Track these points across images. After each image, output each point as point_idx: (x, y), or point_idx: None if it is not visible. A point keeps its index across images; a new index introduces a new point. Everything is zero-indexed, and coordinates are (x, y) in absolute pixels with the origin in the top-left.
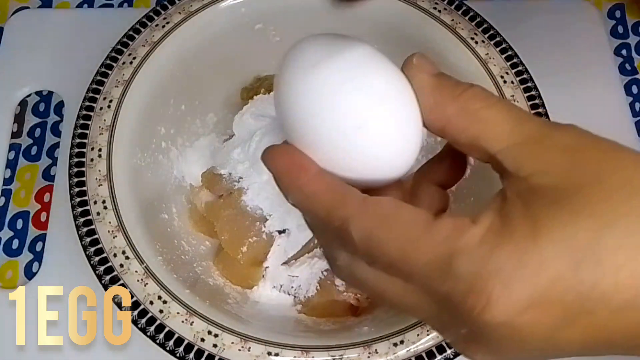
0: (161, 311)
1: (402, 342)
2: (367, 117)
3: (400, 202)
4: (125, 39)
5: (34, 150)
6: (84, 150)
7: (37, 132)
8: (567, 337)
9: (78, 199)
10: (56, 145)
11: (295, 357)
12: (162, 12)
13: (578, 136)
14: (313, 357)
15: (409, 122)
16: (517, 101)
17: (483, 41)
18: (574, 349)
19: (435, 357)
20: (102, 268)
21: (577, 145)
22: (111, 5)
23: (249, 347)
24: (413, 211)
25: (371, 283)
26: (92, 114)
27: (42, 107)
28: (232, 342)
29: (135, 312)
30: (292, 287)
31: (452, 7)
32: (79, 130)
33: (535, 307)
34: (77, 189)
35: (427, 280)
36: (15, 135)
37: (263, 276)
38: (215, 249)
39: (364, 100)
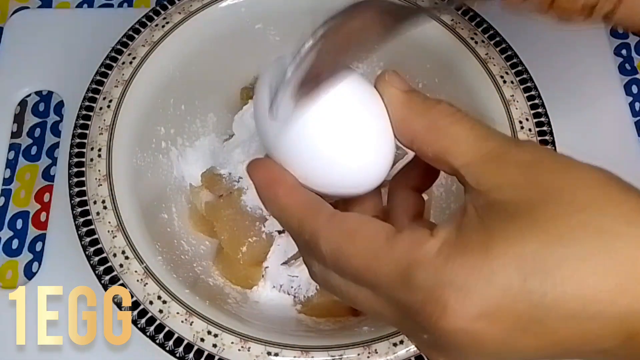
0: (161, 311)
1: (401, 342)
2: (340, 133)
3: (365, 217)
4: (125, 39)
5: (33, 150)
6: (84, 150)
7: (37, 132)
8: (522, 343)
9: (78, 199)
10: (56, 145)
11: (295, 357)
12: (162, 12)
13: (535, 152)
14: (313, 357)
15: (380, 136)
16: (517, 101)
17: (483, 41)
18: (530, 354)
19: None
20: (101, 268)
21: (533, 162)
22: (111, 5)
23: (249, 347)
24: (376, 226)
25: (343, 291)
26: (91, 114)
27: (41, 107)
28: (232, 342)
29: (135, 312)
30: (292, 287)
31: (452, 7)
32: (79, 130)
33: (488, 315)
34: (76, 189)
35: (390, 291)
36: (15, 135)
37: (263, 276)
38: (215, 249)
39: (337, 116)
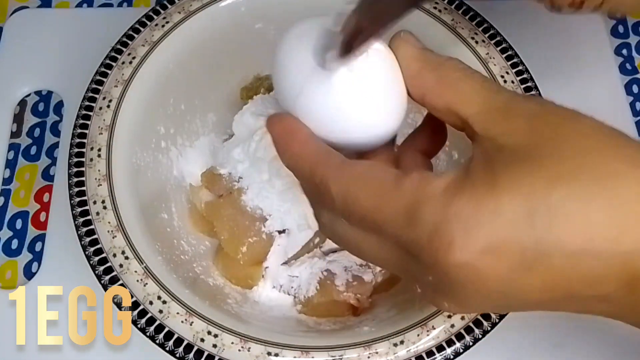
0: (161, 311)
1: (402, 342)
2: (361, 92)
3: (374, 162)
4: (124, 39)
5: (33, 150)
6: (84, 150)
7: (37, 131)
8: (526, 282)
9: (77, 199)
10: (55, 145)
11: (295, 357)
12: (162, 11)
13: (541, 104)
14: (313, 357)
15: (395, 95)
16: None
17: (483, 41)
18: (535, 297)
19: (435, 357)
20: (101, 268)
21: (540, 112)
22: (111, 5)
23: (249, 347)
24: (384, 169)
25: (350, 239)
26: (91, 113)
27: (41, 106)
28: (232, 342)
29: (135, 312)
30: (292, 287)
31: (452, 6)
32: (79, 130)
33: (494, 249)
34: (76, 189)
35: (396, 229)
36: (14, 135)
37: (263, 276)
38: (215, 249)
39: (359, 76)
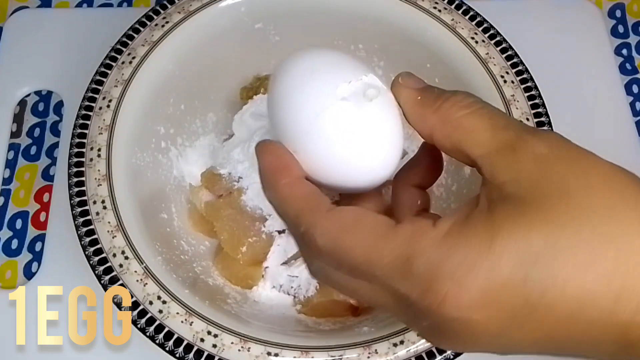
0: (160, 311)
1: (402, 342)
2: (352, 128)
3: (364, 210)
4: (124, 39)
5: (33, 150)
6: (84, 150)
7: (37, 131)
8: (518, 336)
9: (77, 199)
10: (55, 145)
11: (295, 357)
12: (162, 11)
13: (553, 144)
14: (313, 357)
15: (392, 139)
16: (518, 101)
17: (483, 41)
18: (527, 347)
19: (435, 357)
20: (101, 268)
21: (550, 155)
22: (110, 5)
23: (249, 348)
24: (375, 217)
25: (344, 285)
26: (91, 113)
27: (41, 106)
28: (232, 343)
29: (135, 312)
30: (292, 287)
31: (452, 6)
32: (79, 130)
33: (486, 307)
34: (76, 189)
35: (389, 281)
36: (14, 135)
37: (263, 276)
38: (215, 249)
39: (357, 118)
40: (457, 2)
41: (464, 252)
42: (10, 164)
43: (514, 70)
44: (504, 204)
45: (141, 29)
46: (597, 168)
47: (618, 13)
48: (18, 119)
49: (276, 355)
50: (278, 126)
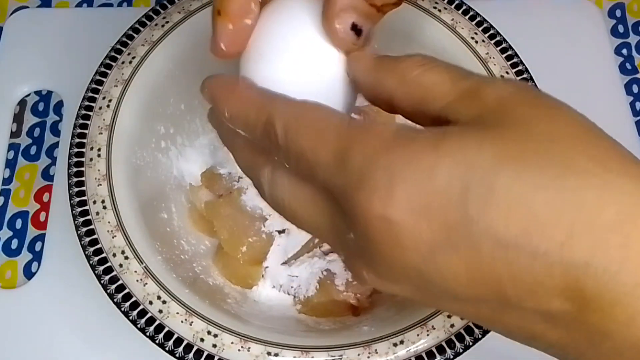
0: (160, 311)
1: (402, 342)
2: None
3: (322, 104)
4: (124, 38)
5: (33, 150)
6: (83, 149)
7: (37, 131)
8: (450, 264)
9: (77, 199)
10: (55, 145)
11: (295, 357)
12: (162, 11)
13: (517, 88)
14: (313, 357)
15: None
16: None
17: (483, 40)
18: (459, 289)
19: (435, 357)
20: (101, 268)
21: (514, 97)
22: (110, 5)
23: (249, 347)
24: (334, 111)
25: (286, 196)
26: (91, 113)
27: (41, 106)
28: (232, 342)
29: (135, 312)
30: (292, 286)
31: (452, 6)
32: (78, 130)
33: (418, 211)
34: (76, 189)
35: (327, 172)
36: (14, 135)
37: (263, 276)
38: (215, 249)
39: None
40: (457, 2)
41: (404, 150)
42: (10, 164)
43: (514, 70)
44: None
45: (141, 28)
46: (562, 107)
47: (618, 13)
48: (18, 118)
49: (276, 355)
50: (244, 64)
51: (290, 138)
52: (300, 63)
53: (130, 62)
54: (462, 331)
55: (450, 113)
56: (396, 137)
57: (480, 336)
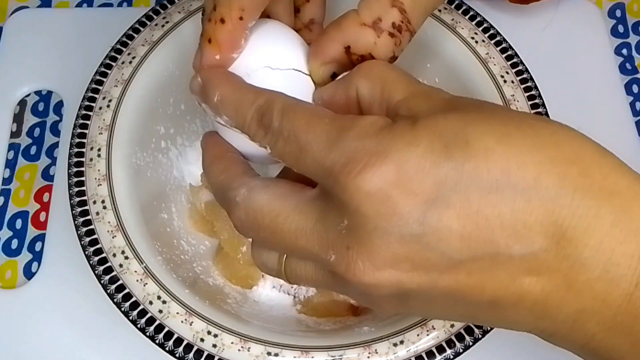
0: (160, 311)
1: (402, 342)
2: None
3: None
4: (124, 39)
5: (33, 150)
6: (83, 150)
7: (37, 131)
8: (445, 223)
9: (77, 199)
10: (55, 145)
11: (295, 357)
12: (162, 11)
13: (457, 95)
14: (313, 357)
15: None
16: (518, 100)
17: (483, 40)
18: (455, 246)
19: (435, 357)
20: (101, 268)
21: (462, 100)
22: (110, 5)
23: (249, 347)
24: (329, 113)
25: (266, 213)
26: (91, 113)
27: (41, 106)
28: (232, 342)
29: (135, 312)
30: (292, 287)
31: (452, 6)
32: (78, 130)
33: (408, 178)
34: (76, 189)
35: (318, 154)
36: (14, 135)
37: (263, 276)
38: (215, 249)
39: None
40: (457, 2)
41: (386, 131)
42: (10, 164)
43: (514, 70)
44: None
45: (141, 28)
46: (513, 117)
47: (618, 13)
48: (18, 118)
49: (276, 355)
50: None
51: (287, 118)
52: (279, 83)
53: (131, 62)
54: (462, 331)
55: (403, 107)
56: (382, 124)
57: (480, 336)
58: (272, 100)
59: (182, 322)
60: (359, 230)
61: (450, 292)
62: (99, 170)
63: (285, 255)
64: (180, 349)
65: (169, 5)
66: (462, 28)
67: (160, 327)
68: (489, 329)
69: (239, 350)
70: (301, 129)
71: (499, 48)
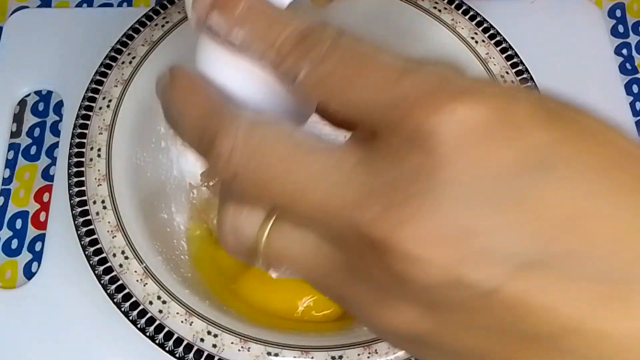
0: (160, 311)
1: None
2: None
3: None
4: (124, 38)
5: (33, 150)
6: (83, 150)
7: (37, 131)
8: (551, 197)
9: (77, 199)
10: (55, 145)
11: (295, 357)
12: (162, 11)
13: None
14: (313, 357)
15: None
16: None
17: (483, 40)
18: (552, 236)
19: None
20: (101, 268)
21: None
22: (111, 5)
23: (249, 347)
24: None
25: (281, 140)
26: (91, 113)
27: (41, 106)
28: (232, 342)
29: (135, 312)
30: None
31: (452, 6)
32: (78, 130)
33: (510, 125)
34: (76, 189)
35: (385, 76)
36: (14, 135)
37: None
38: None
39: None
40: (457, 2)
41: (475, 80)
42: (10, 164)
43: (514, 70)
44: None
45: (141, 28)
46: None
47: (618, 13)
48: (18, 118)
49: (276, 355)
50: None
51: (346, 38)
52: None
53: (131, 62)
54: None
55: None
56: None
57: None
58: (323, 24)
59: (182, 322)
60: (429, 181)
61: (512, 306)
62: (99, 170)
63: (275, 217)
64: (180, 349)
65: (169, 5)
66: (462, 28)
67: (160, 327)
68: None
69: (239, 350)
70: (364, 49)
71: (499, 48)
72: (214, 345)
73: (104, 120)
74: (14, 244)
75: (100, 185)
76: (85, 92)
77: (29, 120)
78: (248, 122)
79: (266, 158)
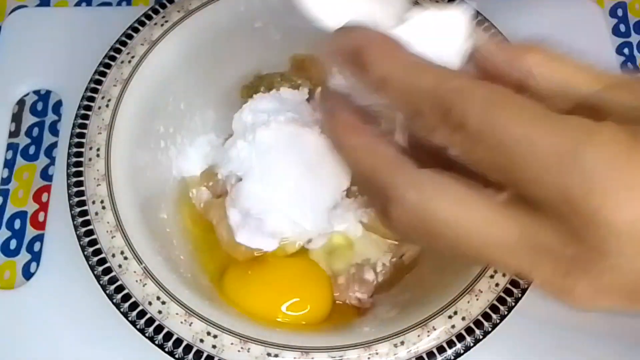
0: (160, 312)
1: (402, 342)
2: None
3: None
4: (123, 38)
5: (32, 149)
6: (82, 149)
7: (35, 131)
8: None
9: (76, 199)
10: (54, 145)
11: (295, 357)
12: (161, 10)
13: None
14: (313, 358)
15: None
16: None
17: None
18: None
19: (435, 357)
20: (100, 268)
21: None
22: (109, 4)
23: (249, 348)
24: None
25: (452, 211)
26: (90, 113)
27: (40, 106)
28: (232, 343)
29: (134, 313)
30: None
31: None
32: (77, 130)
33: None
34: (75, 189)
35: (548, 173)
36: (13, 134)
37: None
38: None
39: None
40: (457, 2)
41: (636, 159)
42: (9, 164)
43: None
44: None
45: (140, 28)
46: None
47: (619, 12)
48: (17, 118)
49: (276, 355)
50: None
51: (489, 114)
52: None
53: (130, 62)
54: (463, 332)
55: (601, 100)
56: (623, 138)
57: (480, 337)
58: (467, 89)
59: (181, 322)
60: (592, 262)
61: None
62: (98, 170)
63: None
64: (180, 349)
65: (168, 5)
66: None
67: (159, 328)
68: (489, 329)
69: (238, 351)
70: (513, 134)
71: None
72: (214, 346)
73: (103, 119)
74: (13, 244)
75: (100, 185)
76: (84, 92)
77: (28, 120)
78: (413, 202)
79: (432, 235)
